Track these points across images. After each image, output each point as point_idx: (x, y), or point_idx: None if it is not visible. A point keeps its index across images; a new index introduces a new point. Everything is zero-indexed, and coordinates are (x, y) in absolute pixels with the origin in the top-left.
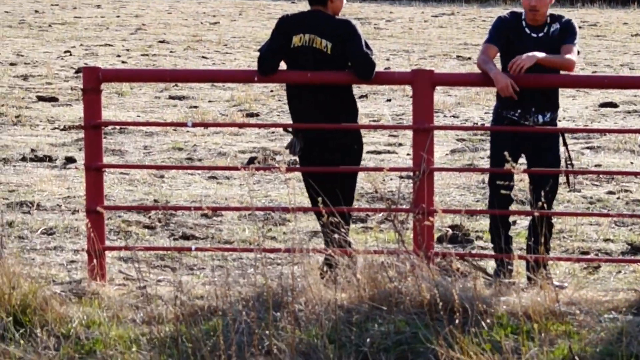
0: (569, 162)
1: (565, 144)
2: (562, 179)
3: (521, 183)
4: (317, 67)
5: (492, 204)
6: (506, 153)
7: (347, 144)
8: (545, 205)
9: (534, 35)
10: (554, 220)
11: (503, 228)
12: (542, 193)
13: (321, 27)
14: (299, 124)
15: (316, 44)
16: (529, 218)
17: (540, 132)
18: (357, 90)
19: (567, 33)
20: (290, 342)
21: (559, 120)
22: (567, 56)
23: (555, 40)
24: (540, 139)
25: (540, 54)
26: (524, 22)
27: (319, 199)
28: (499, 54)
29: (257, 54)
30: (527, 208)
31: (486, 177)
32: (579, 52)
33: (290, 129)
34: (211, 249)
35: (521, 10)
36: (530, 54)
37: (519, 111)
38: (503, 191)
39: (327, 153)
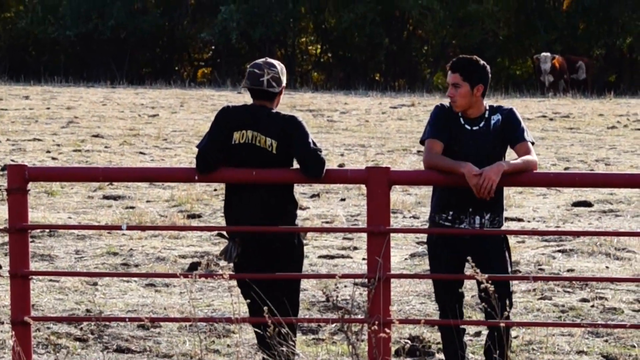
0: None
1: (508, 253)
2: (530, 286)
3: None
4: (260, 167)
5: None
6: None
7: (289, 248)
8: (501, 314)
9: (469, 127)
10: (517, 332)
11: (459, 342)
12: (499, 303)
13: (265, 124)
14: (238, 227)
15: (260, 142)
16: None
17: (481, 238)
18: (309, 189)
19: (513, 127)
20: None
21: (528, 221)
22: (528, 157)
23: (498, 133)
24: (481, 247)
25: (506, 165)
26: (460, 113)
27: (265, 308)
28: None
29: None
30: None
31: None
32: (533, 143)
33: (225, 233)
34: None
35: None
36: (495, 166)
37: (451, 213)
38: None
39: (265, 259)
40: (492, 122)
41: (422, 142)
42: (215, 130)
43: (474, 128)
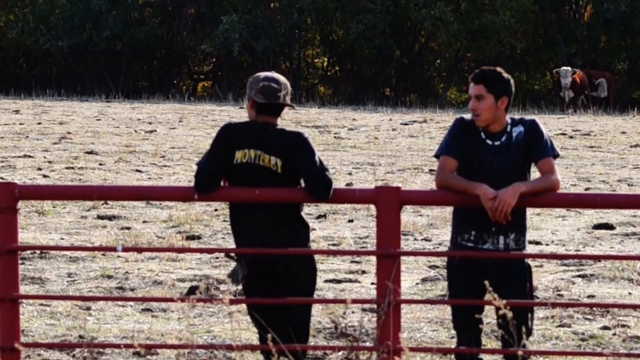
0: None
1: (530, 278)
2: (549, 312)
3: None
4: (264, 187)
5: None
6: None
7: (297, 271)
8: (517, 342)
9: (490, 142)
10: None
11: None
12: (514, 330)
13: (269, 142)
14: (244, 248)
15: (263, 162)
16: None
17: (503, 261)
18: (315, 209)
19: (537, 140)
20: None
21: (546, 245)
22: (549, 177)
23: (521, 146)
24: (502, 270)
25: (523, 186)
26: (481, 127)
27: (268, 335)
28: None
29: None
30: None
31: None
32: (556, 156)
33: (233, 255)
34: None
35: None
36: (512, 189)
37: (473, 233)
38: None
39: (274, 281)
40: (514, 134)
41: (436, 156)
42: (215, 148)
43: (496, 143)
